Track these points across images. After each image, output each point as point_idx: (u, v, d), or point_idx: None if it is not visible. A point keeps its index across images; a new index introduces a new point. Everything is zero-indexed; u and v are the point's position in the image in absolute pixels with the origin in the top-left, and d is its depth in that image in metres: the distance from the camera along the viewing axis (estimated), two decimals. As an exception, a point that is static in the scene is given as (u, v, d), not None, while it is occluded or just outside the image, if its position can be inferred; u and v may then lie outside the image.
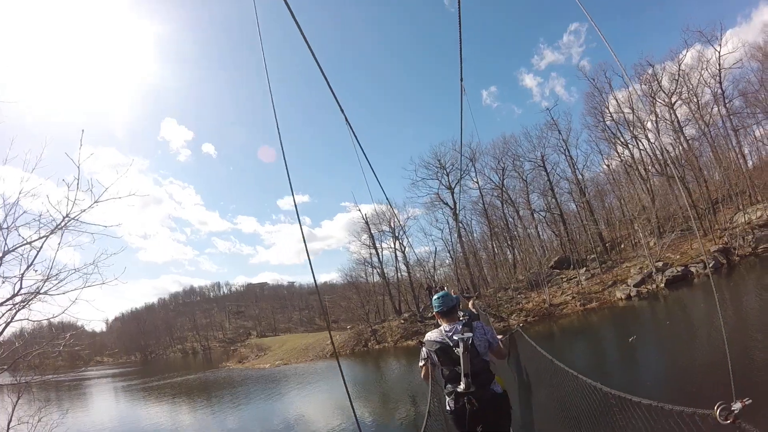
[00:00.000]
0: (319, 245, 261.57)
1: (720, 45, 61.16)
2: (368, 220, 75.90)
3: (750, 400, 2.83)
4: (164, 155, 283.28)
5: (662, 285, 46.15)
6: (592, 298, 49.42)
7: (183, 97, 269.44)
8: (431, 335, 5.81)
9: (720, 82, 61.64)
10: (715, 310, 31.12)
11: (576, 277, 54.87)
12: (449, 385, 5.52)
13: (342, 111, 8.75)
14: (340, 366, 5.60)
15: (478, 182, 74.75)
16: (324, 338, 75.41)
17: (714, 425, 3.04)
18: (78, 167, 7.42)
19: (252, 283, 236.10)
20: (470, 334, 5.44)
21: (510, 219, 75.15)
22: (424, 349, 5.85)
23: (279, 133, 4.92)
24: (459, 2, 6.57)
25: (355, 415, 5.14)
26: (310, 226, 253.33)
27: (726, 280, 41.59)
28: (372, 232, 76.30)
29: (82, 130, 7.44)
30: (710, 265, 45.22)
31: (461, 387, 5.28)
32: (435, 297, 6.05)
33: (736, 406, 2.84)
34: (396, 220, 72.52)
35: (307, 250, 5.56)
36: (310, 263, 5.79)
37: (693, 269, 46.55)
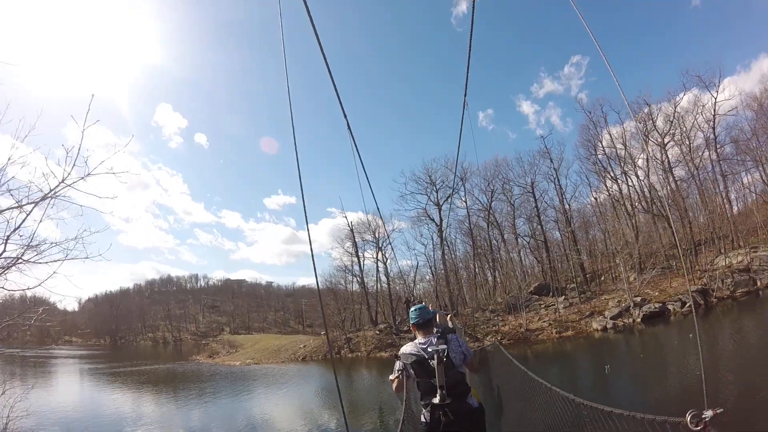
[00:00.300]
0: (302, 248, 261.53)
1: (717, 91, 62.65)
2: (353, 228, 75.76)
3: (722, 410, 2.88)
4: (156, 140, 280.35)
5: (639, 320, 46.47)
6: (569, 327, 49.64)
7: (181, 83, 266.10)
8: (406, 348, 5.84)
9: (713, 128, 63.13)
10: (689, 347, 31.55)
11: (554, 305, 55.16)
12: (425, 398, 5.53)
13: (345, 116, 8.76)
14: (335, 373, 5.60)
15: (466, 202, 75.06)
16: (297, 341, 75.08)
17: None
18: (82, 132, 7.31)
19: (230, 278, 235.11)
20: (444, 346, 5.47)
21: (494, 241, 75.59)
22: (398, 362, 5.83)
23: (294, 137, 4.92)
24: (472, 20, 6.61)
25: (345, 421, 5.10)
26: (294, 228, 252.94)
27: (702, 320, 41.86)
28: (356, 240, 76.25)
29: (92, 95, 7.29)
30: (688, 304, 45.82)
31: (437, 399, 5.29)
32: (412, 309, 6.08)
33: (708, 413, 2.89)
34: (382, 230, 72.83)
35: (312, 250, 5.57)
36: (314, 264, 5.77)
37: (670, 307, 46.96)
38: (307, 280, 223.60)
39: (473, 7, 6.38)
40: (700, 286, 48.11)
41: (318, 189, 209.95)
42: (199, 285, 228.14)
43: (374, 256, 76.63)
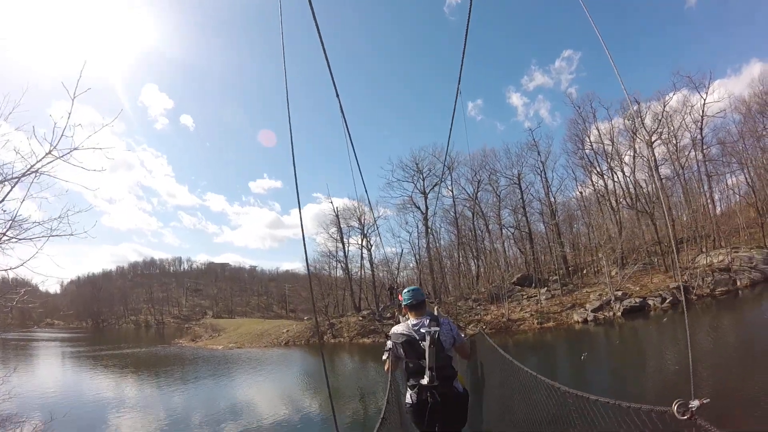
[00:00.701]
0: (286, 233, 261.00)
1: (706, 93, 63.38)
2: (339, 213, 75.46)
3: (708, 400, 2.99)
4: (141, 121, 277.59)
5: (619, 313, 46.92)
6: (550, 318, 50.05)
7: (168, 64, 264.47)
8: (398, 328, 5.86)
9: (701, 129, 63.86)
10: (667, 341, 32.19)
11: (536, 296, 55.54)
12: (412, 379, 5.61)
13: (337, 95, 8.79)
14: (323, 357, 5.60)
15: (452, 191, 75.33)
16: (280, 326, 75.17)
17: (671, 424, 3.19)
18: (72, 99, 7.21)
19: (214, 262, 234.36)
20: (437, 328, 5.51)
21: (479, 231, 75.56)
22: (389, 341, 5.87)
23: (290, 125, 4.93)
24: (470, 8, 6.65)
25: (332, 404, 5.17)
26: (278, 212, 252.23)
27: (682, 316, 42.25)
28: (341, 226, 75.92)
29: (84, 61, 7.25)
30: (668, 300, 46.44)
31: (425, 380, 5.37)
32: (406, 290, 6.09)
33: (694, 403, 2.99)
34: (367, 217, 72.94)
35: (303, 235, 5.59)
36: (305, 249, 5.82)
37: (651, 302, 47.42)
38: (290, 265, 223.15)
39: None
40: (681, 282, 48.57)
41: (304, 174, 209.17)
42: (182, 268, 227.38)
43: (359, 243, 76.71)
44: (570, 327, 47.72)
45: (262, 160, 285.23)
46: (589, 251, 67.62)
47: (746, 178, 66.25)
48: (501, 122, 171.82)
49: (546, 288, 57.41)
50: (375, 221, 73.79)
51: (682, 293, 7.06)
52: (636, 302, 47.58)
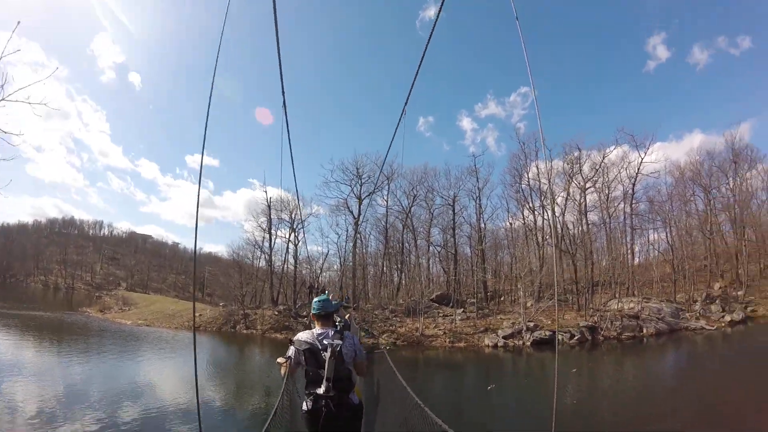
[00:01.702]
0: (215, 213, 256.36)
1: (645, 152, 67.31)
2: (271, 203, 74.42)
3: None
4: (87, 70, 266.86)
5: (528, 343, 48.12)
6: (462, 338, 50.88)
7: (127, 15, 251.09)
8: (302, 335, 5.98)
9: (633, 184, 67.86)
10: (571, 375, 33.35)
11: (452, 315, 56.47)
12: (310, 387, 5.72)
13: (282, 85, 8.87)
14: (195, 340, 5.70)
15: (387, 201, 75.49)
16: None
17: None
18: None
19: (136, 232, 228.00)
20: (340, 342, 5.73)
21: (407, 244, 76.43)
22: (292, 347, 5.92)
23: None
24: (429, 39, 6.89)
25: (198, 396, 5.26)
26: (211, 191, 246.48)
27: (587, 353, 44.67)
28: (271, 217, 75.01)
29: None
30: (576, 337, 48.04)
31: (321, 390, 5.52)
32: (316, 299, 6.23)
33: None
34: (298, 212, 72.34)
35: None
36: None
37: (560, 336, 48.78)
38: (214, 247, 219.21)
39: (434, 24, 6.68)
40: (590, 323, 50.48)
41: (243, 158, 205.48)
42: (101, 233, 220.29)
43: (286, 236, 76.05)
44: (480, 350, 48.54)
45: (201, 134, 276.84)
46: (509, 280, 69.27)
47: (667, 237, 71.69)
48: (448, 143, 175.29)
49: (463, 309, 58.41)
50: (302, 221, 73.57)
51: (557, 339, 7.46)
52: (546, 335, 48.85)
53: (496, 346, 48.86)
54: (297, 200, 67.46)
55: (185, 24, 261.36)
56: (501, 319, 54.78)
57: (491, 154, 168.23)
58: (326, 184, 76.86)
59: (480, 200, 72.09)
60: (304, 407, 5.78)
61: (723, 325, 51.25)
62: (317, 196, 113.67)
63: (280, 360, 6.08)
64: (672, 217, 72.62)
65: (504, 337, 49.78)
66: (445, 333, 52.44)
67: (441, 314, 57.80)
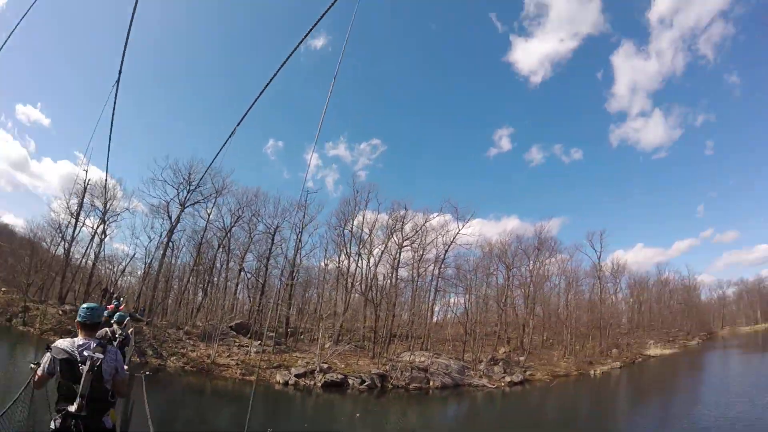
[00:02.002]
0: (26, 181, 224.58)
1: (463, 225, 73.12)
2: (88, 186, 65.36)
3: None
4: None
5: (320, 384, 47.80)
6: (253, 372, 49.56)
7: None
8: (61, 343, 5.44)
9: (446, 251, 72.99)
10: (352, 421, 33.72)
11: (248, 346, 54.91)
12: (62, 403, 5.23)
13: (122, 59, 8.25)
14: None
15: (209, 215, 71.59)
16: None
17: None
18: None
19: None
20: (101, 356, 5.34)
21: (218, 264, 73.90)
22: (48, 354, 5.39)
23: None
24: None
25: None
26: (31, 154, 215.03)
27: (375, 399, 45.61)
28: (84, 201, 65.41)
29: None
30: (366, 383, 48.68)
31: (73, 408, 5.06)
32: (84, 306, 5.79)
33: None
34: (116, 204, 67.08)
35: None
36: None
37: (351, 381, 49.13)
38: (12, 219, 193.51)
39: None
40: (382, 371, 51.50)
41: (72, 124, 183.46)
42: None
43: (93, 227, 67.91)
44: (271, 385, 47.39)
45: (41, 80, 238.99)
46: (312, 320, 69.18)
47: (465, 302, 76.82)
48: (289, 172, 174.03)
49: (260, 342, 57.00)
50: (117, 213, 68.43)
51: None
52: (338, 378, 48.85)
53: (287, 383, 47.97)
54: (105, 188, 61.62)
55: None
56: (297, 356, 54.11)
57: (326, 194, 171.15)
58: (153, 181, 69.83)
59: (300, 235, 71.71)
60: (52, 426, 5.23)
61: (503, 384, 55.22)
62: (139, 191, 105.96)
63: (33, 365, 5.50)
64: (474, 285, 78.84)
65: (296, 375, 49.03)
66: (237, 363, 50.68)
67: (237, 343, 55.75)
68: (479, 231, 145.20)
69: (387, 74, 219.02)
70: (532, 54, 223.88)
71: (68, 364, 5.17)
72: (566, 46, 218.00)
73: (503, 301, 76.49)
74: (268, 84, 7.94)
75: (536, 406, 46.35)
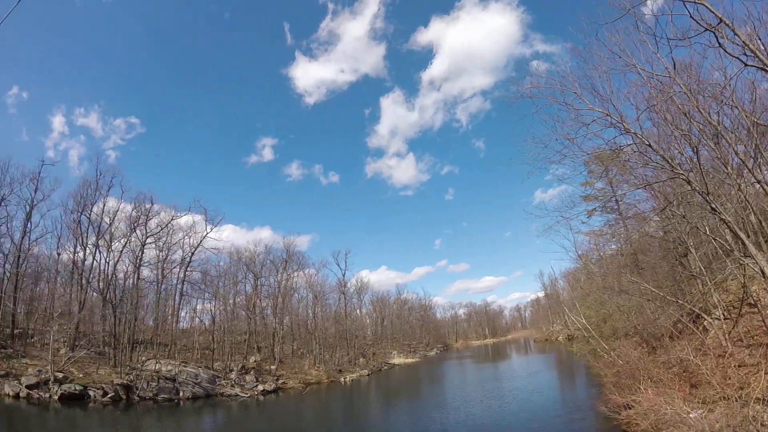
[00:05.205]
0: None
1: (212, 228, 73.27)
2: None
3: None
4: None
5: (57, 397, 42.68)
6: (-38, 380, 42.71)
7: None
8: None
9: (192, 253, 72.25)
10: None
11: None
12: None
13: None
14: None
15: None
16: None
17: None
18: None
19: None
20: None
21: None
22: None
23: None
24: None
25: None
26: None
27: (123, 413, 42.01)
28: None
29: None
30: (110, 394, 44.89)
31: None
32: None
33: None
34: None
35: None
36: None
37: (92, 392, 44.91)
38: None
39: None
40: (126, 381, 47.92)
41: None
42: None
43: None
44: (0, 398, 41.49)
45: None
46: (44, 319, 59.96)
47: (212, 309, 75.76)
48: (28, 132, 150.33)
49: (-20, 345, 49.42)
50: None
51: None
52: (77, 389, 44.17)
53: (18, 396, 41.98)
54: None
55: None
56: (26, 363, 47.35)
57: (67, 169, 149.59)
58: None
59: (31, 215, 59.58)
60: None
61: (256, 393, 55.18)
62: None
63: None
64: (222, 292, 77.04)
65: (27, 387, 43.16)
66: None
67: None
68: (230, 237, 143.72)
69: (165, 51, 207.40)
70: (312, 75, 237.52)
71: None
72: (345, 78, 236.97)
73: (251, 309, 76.30)
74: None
75: (293, 413, 46.84)
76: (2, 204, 57.58)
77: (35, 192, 60.33)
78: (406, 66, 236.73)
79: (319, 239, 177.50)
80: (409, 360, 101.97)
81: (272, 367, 64.75)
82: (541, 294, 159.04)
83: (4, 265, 58.68)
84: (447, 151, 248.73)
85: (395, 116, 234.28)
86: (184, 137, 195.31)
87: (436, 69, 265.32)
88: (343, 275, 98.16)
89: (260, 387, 56.35)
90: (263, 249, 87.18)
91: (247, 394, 53.98)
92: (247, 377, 58.17)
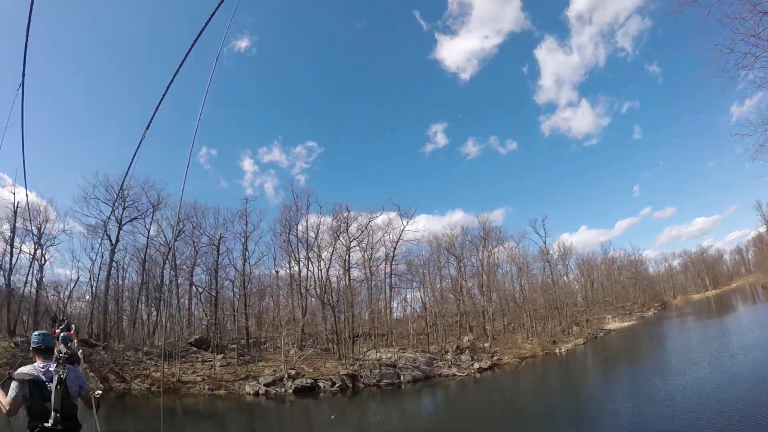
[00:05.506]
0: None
1: (408, 221, 73.84)
2: (19, 210, 58.40)
3: None
4: None
5: (291, 391, 46.94)
6: (222, 386, 48.14)
7: None
8: (23, 369, 5.83)
9: (395, 248, 73.56)
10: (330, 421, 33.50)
11: (212, 361, 53.37)
12: (35, 422, 5.54)
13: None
14: None
15: (149, 230, 68.17)
16: None
17: None
18: None
19: None
20: (64, 372, 5.82)
21: (167, 281, 69.82)
22: (14, 382, 5.65)
23: None
24: None
25: None
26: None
27: (349, 400, 45.04)
28: (16, 226, 59.27)
29: None
30: (337, 384, 48.15)
31: (50, 422, 5.42)
32: (36, 333, 6.27)
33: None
34: (50, 227, 62.97)
35: None
36: None
37: (321, 384, 48.49)
38: None
39: None
40: (351, 371, 51.02)
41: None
42: None
43: (31, 252, 62.00)
44: (241, 397, 46.07)
45: None
46: (273, 327, 67.82)
47: (422, 296, 78.44)
48: (227, 180, 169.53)
49: (223, 355, 55.34)
50: (53, 237, 65.03)
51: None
52: (308, 382, 48.10)
53: (257, 393, 46.80)
54: (28, 207, 57.03)
55: None
56: (263, 366, 52.89)
57: (267, 200, 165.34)
58: (85, 200, 65.91)
59: (247, 245, 69.57)
60: None
61: (473, 371, 55.24)
62: (73, 211, 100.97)
63: (5, 399, 5.60)
64: (428, 279, 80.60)
65: (265, 385, 48.01)
66: (204, 379, 49.16)
67: (200, 359, 54.11)
68: (426, 226, 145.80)
69: (316, 75, 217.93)
70: (458, 51, 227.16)
71: (36, 386, 5.58)
72: (491, 43, 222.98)
73: (458, 291, 77.27)
74: (168, 86, 7.30)
75: (509, 388, 46.81)
76: (222, 241, 68.06)
77: (246, 225, 69.85)
78: (546, 10, 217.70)
79: (512, 211, 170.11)
80: (625, 323, 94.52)
81: (485, 344, 64.91)
82: (762, 229, 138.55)
83: (233, 289, 70.09)
84: (621, 86, 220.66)
85: (555, 64, 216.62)
86: (362, 145, 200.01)
87: (578, 2, 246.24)
88: (544, 242, 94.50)
89: (476, 365, 56.58)
90: (459, 231, 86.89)
91: (463, 373, 54.46)
92: (463, 357, 58.92)
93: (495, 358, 60.71)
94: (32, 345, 6.15)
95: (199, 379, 49.16)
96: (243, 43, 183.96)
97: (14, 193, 59.82)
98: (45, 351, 5.99)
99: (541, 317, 77.53)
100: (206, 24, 5.43)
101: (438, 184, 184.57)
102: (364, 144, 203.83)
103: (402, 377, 51.71)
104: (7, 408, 5.58)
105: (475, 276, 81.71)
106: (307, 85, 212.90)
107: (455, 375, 53.87)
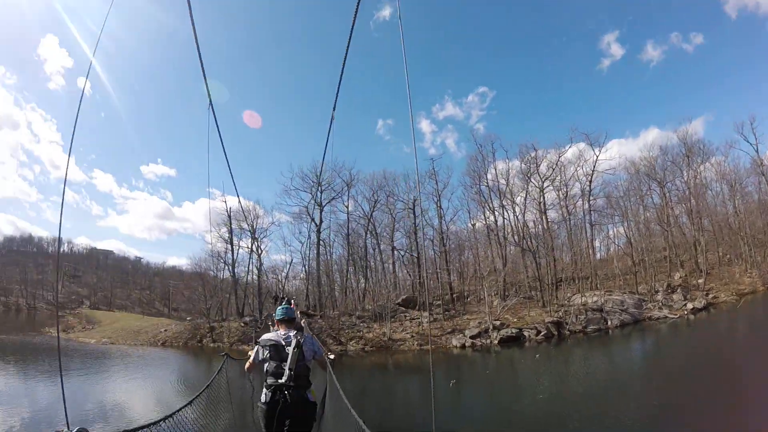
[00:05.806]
0: (175, 225, 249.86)
1: (600, 150, 69.79)
2: (231, 213, 72.43)
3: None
4: (34, 76, 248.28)
5: (496, 342, 48.51)
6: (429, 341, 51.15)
7: (73, 15, 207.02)
8: (267, 335, 6.80)
9: (590, 181, 70.35)
10: (540, 372, 33.98)
11: (419, 318, 56.57)
12: (271, 379, 6.30)
13: (208, 93, 8.86)
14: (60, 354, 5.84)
15: (348, 207, 75.58)
16: (159, 324, 72.94)
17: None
18: None
19: (96, 248, 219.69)
20: (303, 338, 6.57)
21: (370, 250, 76.58)
22: (257, 347, 6.73)
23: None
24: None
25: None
26: (170, 203, 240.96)
27: (554, 348, 45.67)
28: (232, 227, 73.59)
29: None
30: (542, 333, 48.70)
31: (283, 379, 6.15)
32: (279, 307, 7.17)
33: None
34: (261, 221, 73.54)
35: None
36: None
37: (526, 333, 49.43)
38: (177, 261, 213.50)
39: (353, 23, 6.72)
40: (556, 318, 51.16)
41: (201, 167, 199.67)
42: (61, 250, 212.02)
43: (249, 246, 74.86)
44: (449, 351, 48.76)
45: (157, 141, 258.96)
46: (474, 280, 69.60)
47: (625, 231, 74.07)
48: (408, 145, 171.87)
49: (429, 312, 58.50)
50: (264, 229, 73.10)
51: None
52: (513, 332, 49.38)
53: (464, 346, 49.21)
54: (239, 206, 67.07)
55: (134, 26, 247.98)
56: (467, 319, 55.10)
57: (451, 156, 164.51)
58: (286, 192, 76.03)
59: (440, 202, 72.52)
60: (263, 398, 6.30)
61: (686, 312, 52.03)
62: (278, 204, 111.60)
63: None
64: (630, 211, 75.45)
65: (471, 337, 50.11)
66: (412, 336, 52.58)
67: (408, 318, 57.82)
68: (619, 152, 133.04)
69: (472, 17, 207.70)
70: None
71: (275, 348, 6.46)
72: None
73: (665, 221, 71.20)
74: (344, 65, 8.08)
75: (729, 331, 43.31)
76: (416, 203, 71.64)
77: (436, 184, 72.86)
78: None
79: (714, 118, 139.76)
80: None
81: (699, 281, 59.27)
82: None
83: (432, 248, 73.97)
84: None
85: None
86: (533, 76, 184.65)
87: None
88: (756, 150, 74.03)
89: (689, 305, 52.87)
90: (658, 151, 77.73)
91: (676, 314, 51.57)
92: (674, 296, 55.49)
93: (710, 296, 55.89)
94: (277, 317, 7.12)
95: (408, 336, 52.65)
96: (385, 12, 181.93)
97: (225, 201, 71.78)
98: (287, 321, 6.94)
99: (761, 244, 64.92)
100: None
101: (624, 103, 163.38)
102: (536, 74, 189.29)
103: (609, 322, 50.97)
104: (246, 366, 7.10)
105: (681, 202, 72.67)
106: (464, 28, 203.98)
107: (666, 317, 51.56)
